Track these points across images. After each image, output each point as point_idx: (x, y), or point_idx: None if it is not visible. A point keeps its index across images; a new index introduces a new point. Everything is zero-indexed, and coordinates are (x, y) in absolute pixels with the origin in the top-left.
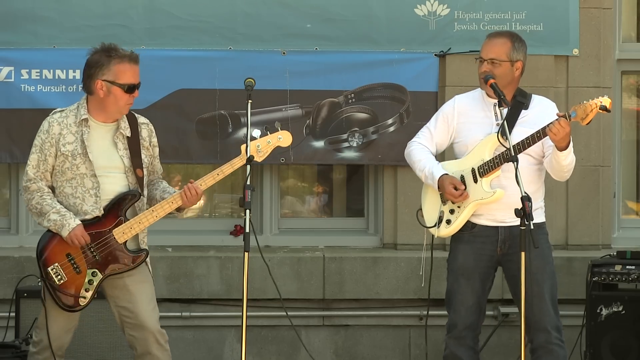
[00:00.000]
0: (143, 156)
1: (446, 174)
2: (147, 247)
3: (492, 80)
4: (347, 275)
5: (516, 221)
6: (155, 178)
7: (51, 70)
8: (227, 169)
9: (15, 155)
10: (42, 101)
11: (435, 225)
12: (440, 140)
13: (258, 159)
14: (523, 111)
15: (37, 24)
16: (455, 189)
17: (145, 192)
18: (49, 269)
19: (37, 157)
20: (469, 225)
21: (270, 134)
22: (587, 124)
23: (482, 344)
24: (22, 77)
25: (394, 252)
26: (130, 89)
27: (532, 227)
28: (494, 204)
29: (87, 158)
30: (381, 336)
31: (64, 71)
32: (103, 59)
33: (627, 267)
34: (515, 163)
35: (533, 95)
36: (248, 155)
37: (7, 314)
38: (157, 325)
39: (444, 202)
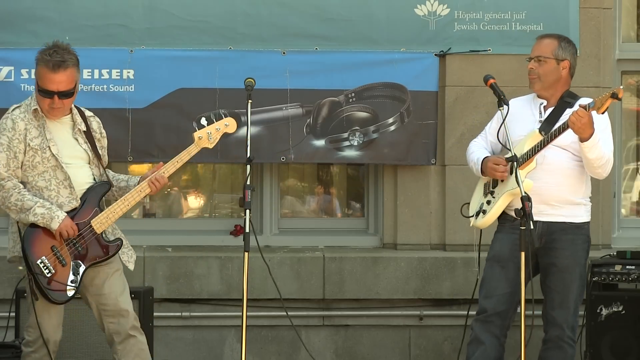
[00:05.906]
0: (97, 148)
1: (489, 156)
2: (121, 237)
3: (492, 80)
4: (347, 275)
5: (551, 216)
6: None
7: None
8: (185, 156)
9: None
10: None
11: (473, 216)
12: (493, 139)
13: (209, 145)
14: (568, 109)
15: (37, 24)
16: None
17: None
18: (38, 262)
19: (6, 156)
20: (509, 218)
21: (217, 121)
22: (602, 112)
23: None
24: (22, 77)
25: (394, 252)
26: (46, 93)
27: (532, 226)
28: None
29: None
30: (381, 336)
31: None
32: (37, 57)
33: (627, 267)
34: (515, 163)
35: (581, 97)
36: (248, 155)
37: (7, 314)
38: (133, 310)
39: (485, 193)
